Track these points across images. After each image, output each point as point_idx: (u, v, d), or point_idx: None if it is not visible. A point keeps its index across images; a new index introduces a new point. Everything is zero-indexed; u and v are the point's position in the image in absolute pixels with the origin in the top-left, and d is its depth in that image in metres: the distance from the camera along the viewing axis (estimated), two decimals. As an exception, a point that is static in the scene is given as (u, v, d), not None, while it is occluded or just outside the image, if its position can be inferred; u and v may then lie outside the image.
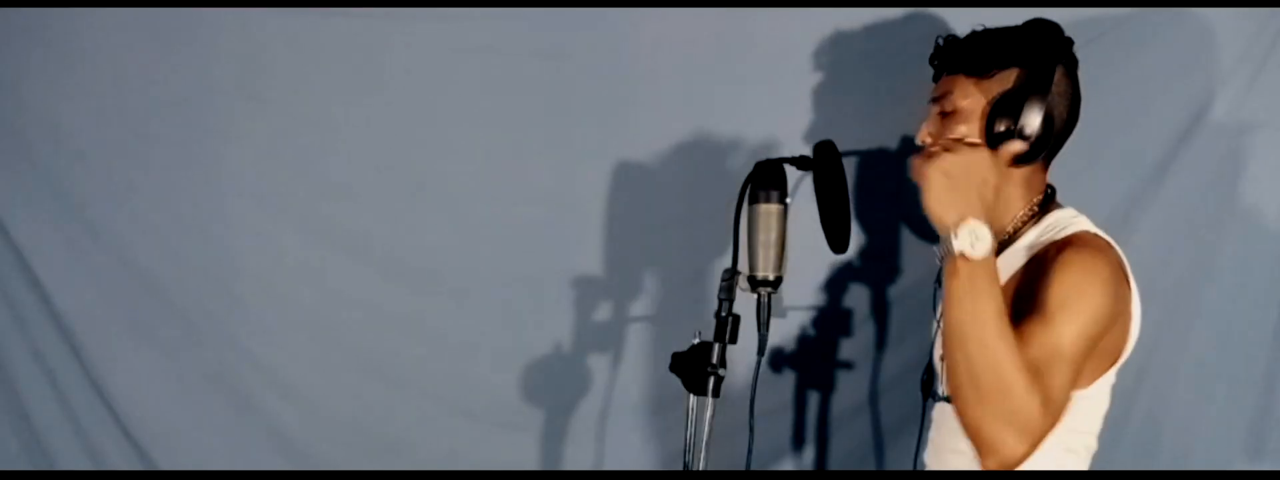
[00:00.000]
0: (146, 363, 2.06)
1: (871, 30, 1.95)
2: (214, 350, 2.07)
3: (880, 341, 2.08)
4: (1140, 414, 2.01)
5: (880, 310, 2.08)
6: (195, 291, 2.06)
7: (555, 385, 2.09)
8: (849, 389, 2.10)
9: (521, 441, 2.10)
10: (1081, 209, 1.52)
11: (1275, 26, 1.91)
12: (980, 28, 1.52)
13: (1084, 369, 1.37)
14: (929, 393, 1.60)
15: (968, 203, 1.30)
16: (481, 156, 2.04)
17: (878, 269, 2.06)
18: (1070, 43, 1.48)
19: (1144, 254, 1.95)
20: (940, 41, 1.53)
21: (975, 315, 1.28)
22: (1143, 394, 2.01)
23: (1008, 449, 1.28)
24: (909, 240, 2.06)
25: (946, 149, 1.35)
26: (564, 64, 2.01)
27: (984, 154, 1.37)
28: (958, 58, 1.48)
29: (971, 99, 1.46)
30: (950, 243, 1.30)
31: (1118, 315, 1.38)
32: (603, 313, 2.06)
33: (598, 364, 2.08)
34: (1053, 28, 1.48)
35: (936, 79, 1.54)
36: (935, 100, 1.51)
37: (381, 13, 1.98)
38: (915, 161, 1.39)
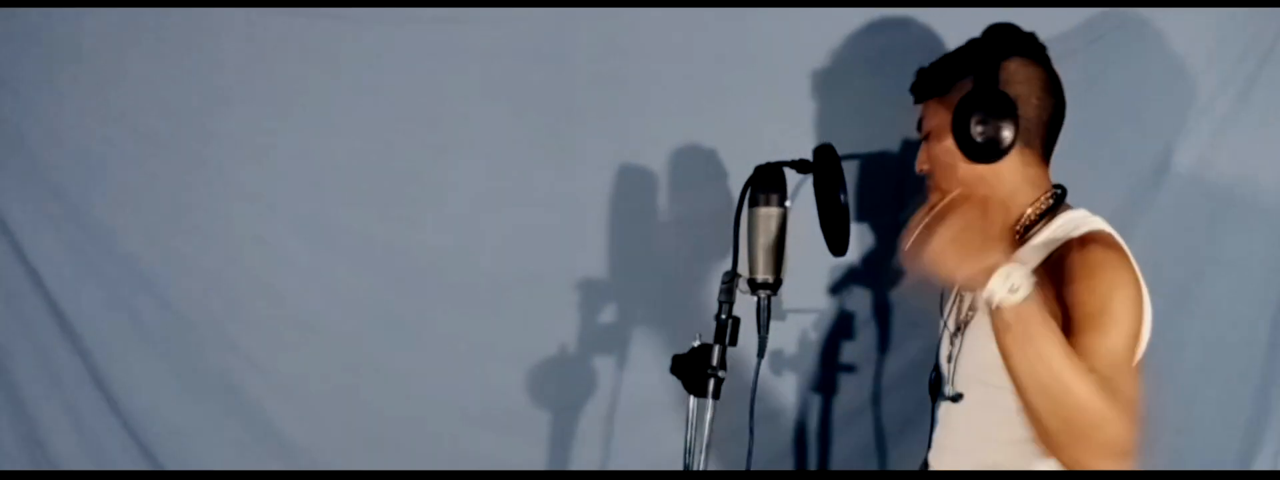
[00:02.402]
0: (148, 363, 2.06)
1: (872, 32, 1.95)
2: (214, 350, 2.07)
3: (882, 344, 2.08)
4: (1136, 413, 2.01)
5: (882, 313, 2.08)
6: (196, 292, 2.06)
7: (557, 387, 2.09)
8: (850, 392, 2.10)
9: (523, 443, 2.10)
10: (1085, 206, 1.53)
11: (1275, 26, 1.91)
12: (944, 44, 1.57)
13: None
14: (937, 394, 1.61)
15: (985, 249, 1.26)
16: (483, 158, 2.04)
17: (878, 272, 2.06)
18: (1025, 37, 1.51)
19: (1143, 254, 1.94)
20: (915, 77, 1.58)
21: (1045, 362, 1.25)
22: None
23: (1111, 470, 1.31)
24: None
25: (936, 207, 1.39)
26: (565, 66, 2.01)
27: (972, 171, 1.45)
28: (923, 84, 1.54)
29: (939, 117, 1.50)
30: (988, 296, 1.26)
31: (1143, 313, 1.40)
32: (604, 315, 2.07)
33: (600, 366, 2.08)
34: (1000, 28, 1.51)
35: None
36: (919, 129, 1.56)
37: (382, 14, 1.98)
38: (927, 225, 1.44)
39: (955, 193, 1.50)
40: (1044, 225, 1.48)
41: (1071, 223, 1.47)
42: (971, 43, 1.53)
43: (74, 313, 2.05)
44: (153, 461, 2.08)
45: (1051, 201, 1.50)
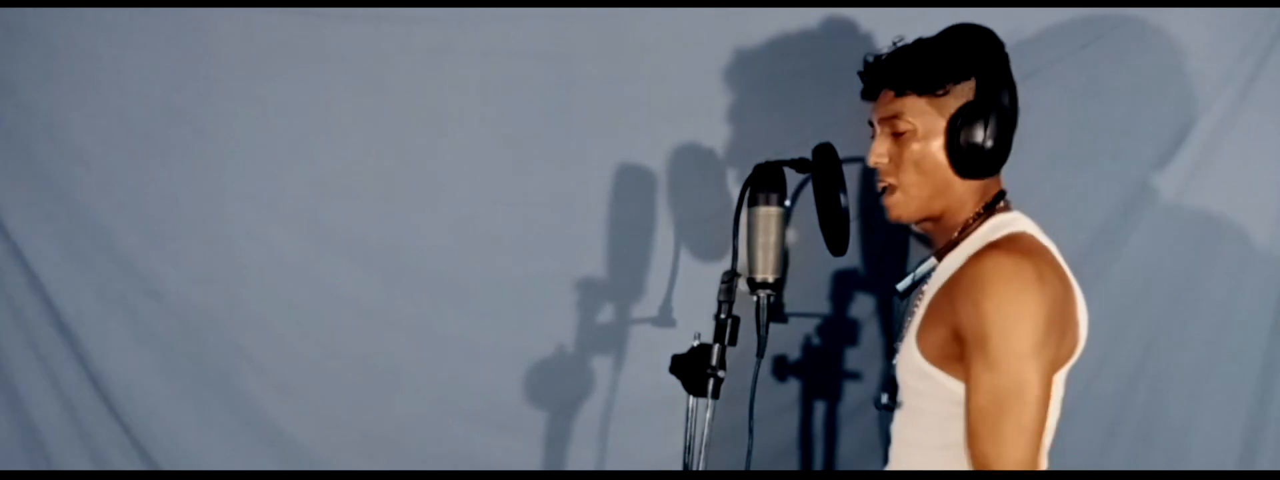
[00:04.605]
0: (147, 363, 2.07)
1: (872, 32, 1.94)
2: (214, 351, 2.07)
3: (887, 349, 2.08)
4: (1135, 414, 2.01)
5: (884, 316, 2.07)
6: (195, 292, 2.06)
7: (556, 386, 2.09)
8: (850, 395, 2.10)
9: (522, 443, 2.10)
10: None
11: (1275, 26, 1.91)
12: (899, 41, 1.48)
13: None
14: (883, 408, 1.59)
15: None
16: (482, 158, 2.04)
17: (880, 275, 2.06)
18: (1001, 43, 1.45)
19: (1142, 254, 1.97)
20: (870, 59, 1.49)
21: None
22: (1138, 394, 2.01)
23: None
24: (912, 246, 2.06)
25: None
26: (564, 66, 2.01)
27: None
28: (904, 76, 1.43)
29: (927, 117, 1.42)
30: None
31: (1055, 317, 1.33)
32: (603, 314, 2.07)
33: (599, 365, 2.08)
34: (989, 34, 1.45)
35: (873, 96, 1.50)
36: (884, 120, 1.46)
37: (382, 14, 1.98)
38: (884, 202, 1.45)
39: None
40: (976, 228, 1.45)
41: (998, 226, 1.42)
42: (962, 43, 1.43)
43: (72, 313, 2.05)
44: (151, 462, 2.08)
45: (982, 210, 1.46)
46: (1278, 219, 1.96)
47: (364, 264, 2.06)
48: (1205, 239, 1.97)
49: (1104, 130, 1.95)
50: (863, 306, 2.08)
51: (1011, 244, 1.37)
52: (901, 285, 1.51)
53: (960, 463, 1.37)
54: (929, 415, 1.41)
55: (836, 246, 1.57)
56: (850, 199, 1.54)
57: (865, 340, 2.08)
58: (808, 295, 2.05)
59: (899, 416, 1.48)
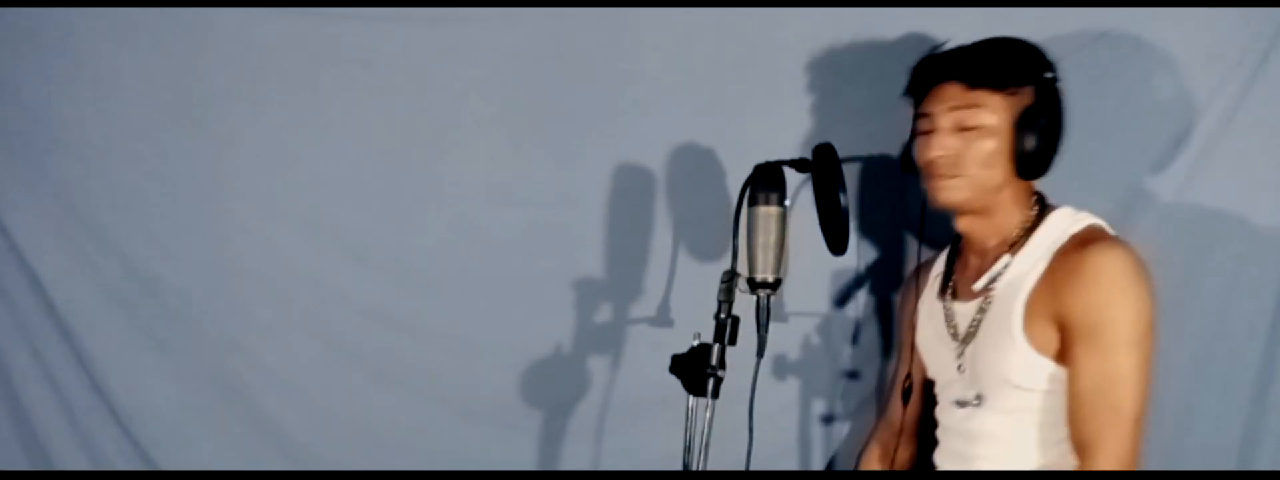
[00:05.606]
0: (146, 363, 2.07)
1: (873, 32, 1.95)
2: (214, 350, 2.07)
3: (885, 348, 2.08)
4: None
5: (883, 316, 2.07)
6: (195, 292, 2.06)
7: (555, 386, 2.09)
8: (850, 395, 2.10)
9: (521, 442, 2.10)
10: (1080, 206, 1.53)
11: (1274, 27, 1.91)
12: (947, 42, 1.52)
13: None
14: (907, 400, 1.60)
15: None
16: (481, 157, 2.05)
17: (880, 275, 2.06)
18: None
19: (1140, 253, 1.96)
20: (933, 51, 1.53)
21: None
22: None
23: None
24: (912, 246, 2.06)
25: None
26: (564, 65, 2.01)
27: None
28: (980, 70, 1.45)
29: (999, 115, 1.45)
30: None
31: (1155, 307, 1.39)
32: (602, 314, 2.07)
33: (597, 365, 2.08)
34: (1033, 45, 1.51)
35: (924, 91, 1.52)
36: (955, 110, 1.47)
37: (382, 14, 1.98)
38: (934, 184, 1.46)
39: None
40: (1039, 228, 1.47)
41: (1064, 221, 1.47)
42: (1026, 46, 1.48)
43: (72, 312, 2.05)
44: (150, 462, 2.08)
45: (1037, 207, 1.49)
46: (1277, 219, 1.96)
47: (364, 263, 2.06)
48: (1204, 239, 1.96)
49: (1102, 130, 1.95)
50: (863, 306, 2.08)
51: (1107, 235, 1.42)
52: (978, 285, 1.52)
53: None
54: (1048, 411, 1.43)
55: (836, 246, 1.59)
56: (850, 199, 1.55)
57: (865, 340, 2.08)
58: (808, 295, 2.05)
59: (996, 415, 1.49)
